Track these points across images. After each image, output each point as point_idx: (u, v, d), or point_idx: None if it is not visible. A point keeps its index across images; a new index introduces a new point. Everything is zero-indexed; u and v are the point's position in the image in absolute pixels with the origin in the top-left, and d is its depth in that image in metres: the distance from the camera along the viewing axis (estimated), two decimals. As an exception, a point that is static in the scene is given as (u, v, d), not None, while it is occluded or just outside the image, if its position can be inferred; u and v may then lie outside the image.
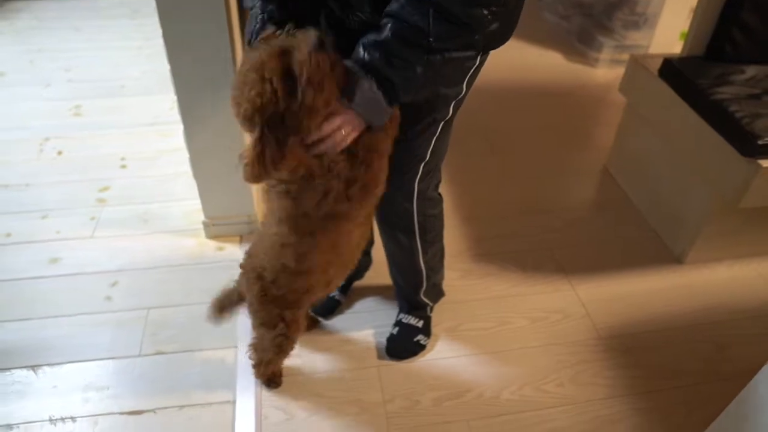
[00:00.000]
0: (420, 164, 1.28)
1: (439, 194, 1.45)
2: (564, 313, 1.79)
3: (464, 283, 1.86)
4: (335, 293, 1.74)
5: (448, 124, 1.25)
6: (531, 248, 2.02)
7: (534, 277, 1.91)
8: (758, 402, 1.19)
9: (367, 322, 1.72)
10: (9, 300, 1.77)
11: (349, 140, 1.02)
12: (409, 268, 1.54)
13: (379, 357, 1.63)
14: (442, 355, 1.65)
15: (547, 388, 1.58)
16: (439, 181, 1.42)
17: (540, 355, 1.67)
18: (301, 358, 1.61)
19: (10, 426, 1.46)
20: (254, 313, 1.33)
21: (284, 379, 1.56)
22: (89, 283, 1.83)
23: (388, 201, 1.34)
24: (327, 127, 0.99)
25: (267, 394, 1.52)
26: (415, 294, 1.60)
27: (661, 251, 2.03)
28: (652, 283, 1.92)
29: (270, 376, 1.53)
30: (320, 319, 1.71)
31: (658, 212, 2.12)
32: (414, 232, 1.43)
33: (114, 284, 1.82)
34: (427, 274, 1.54)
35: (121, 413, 1.49)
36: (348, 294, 1.78)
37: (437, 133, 1.24)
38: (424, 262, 1.51)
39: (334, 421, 1.48)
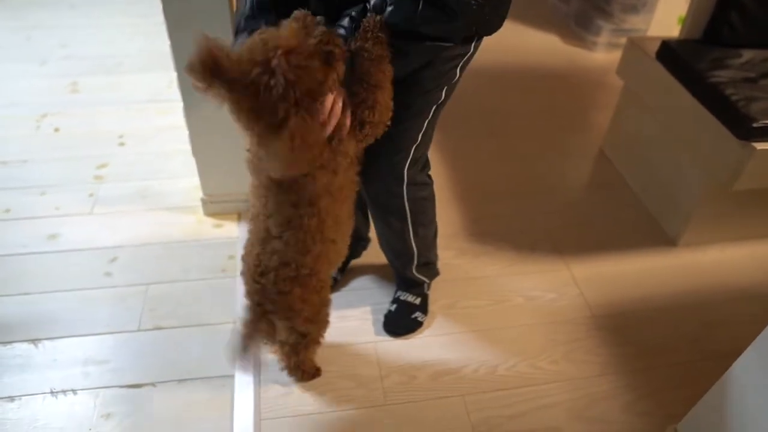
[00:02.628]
0: (411, 147, 1.29)
1: (429, 176, 1.46)
2: (558, 292, 1.82)
3: (460, 262, 1.88)
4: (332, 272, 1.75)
5: (440, 107, 1.26)
6: (526, 228, 2.04)
7: (529, 256, 1.93)
8: (742, 381, 1.22)
9: (365, 300, 1.74)
10: (9, 275, 1.78)
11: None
12: (400, 248, 1.55)
13: (377, 333, 1.66)
14: (439, 332, 1.68)
15: (542, 364, 1.61)
16: (428, 166, 1.43)
17: (534, 332, 1.69)
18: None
19: (12, 398, 1.48)
20: (298, 314, 1.25)
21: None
22: (88, 258, 1.84)
23: (378, 186, 1.35)
24: (328, 106, 1.01)
25: (266, 370, 1.54)
26: (406, 271, 1.62)
27: (655, 233, 2.06)
28: (646, 263, 1.94)
29: (314, 366, 1.53)
30: None
31: (653, 194, 2.14)
32: (405, 216, 1.44)
33: (113, 260, 1.83)
34: (418, 252, 1.56)
35: (121, 386, 1.51)
36: (345, 272, 1.80)
37: (429, 117, 1.25)
38: (415, 243, 1.53)
39: (331, 395, 1.51)
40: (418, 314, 1.67)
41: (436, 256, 1.67)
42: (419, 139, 1.28)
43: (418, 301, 1.68)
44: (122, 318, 1.67)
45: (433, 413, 1.48)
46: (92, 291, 1.74)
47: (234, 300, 1.71)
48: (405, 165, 1.32)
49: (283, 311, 1.24)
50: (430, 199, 1.49)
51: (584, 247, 1.98)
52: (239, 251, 1.85)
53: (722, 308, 1.80)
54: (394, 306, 1.68)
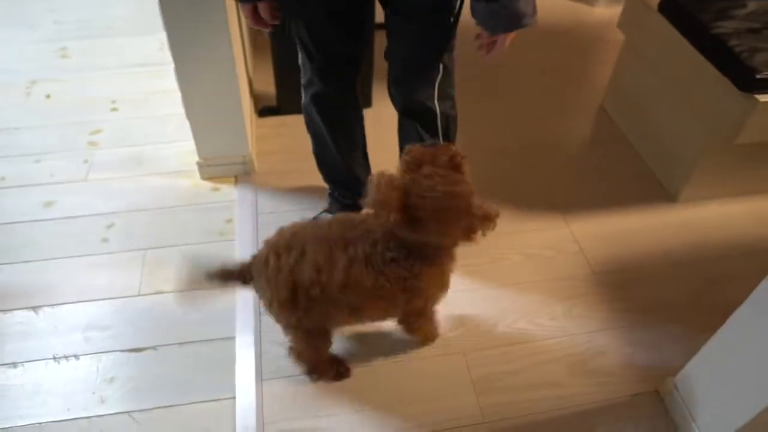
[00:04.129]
0: (443, 55, 1.35)
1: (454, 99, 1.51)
2: (558, 249, 1.81)
3: (460, 222, 1.87)
4: None
5: (459, 15, 1.30)
6: (526, 186, 2.02)
7: (528, 214, 1.92)
8: (738, 334, 1.23)
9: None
10: (6, 243, 1.77)
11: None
12: None
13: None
14: (438, 292, 1.67)
15: (541, 321, 1.62)
16: (454, 81, 1.48)
17: (534, 289, 1.70)
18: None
19: (15, 364, 1.49)
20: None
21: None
22: (85, 225, 1.83)
23: (411, 95, 1.42)
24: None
25: (266, 330, 1.55)
26: None
27: (655, 189, 2.04)
28: (646, 220, 1.93)
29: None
30: None
31: (654, 150, 2.12)
32: (437, 132, 1.48)
33: (110, 226, 1.82)
34: None
35: (123, 351, 1.52)
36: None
37: (455, 22, 1.30)
38: None
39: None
40: None
41: None
42: (447, 48, 1.35)
43: None
44: (121, 283, 1.67)
45: (433, 369, 1.50)
46: (90, 257, 1.74)
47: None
48: (437, 76, 1.38)
49: None
50: (455, 121, 1.54)
51: (584, 204, 1.97)
52: (237, 214, 1.86)
53: (723, 264, 1.80)
54: None
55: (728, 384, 1.26)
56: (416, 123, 1.49)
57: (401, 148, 1.58)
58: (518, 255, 1.79)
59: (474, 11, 1.19)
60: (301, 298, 1.16)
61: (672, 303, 1.68)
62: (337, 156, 1.62)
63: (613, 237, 1.86)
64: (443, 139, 1.51)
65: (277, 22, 1.32)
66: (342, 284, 1.14)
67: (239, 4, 1.34)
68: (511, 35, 1.22)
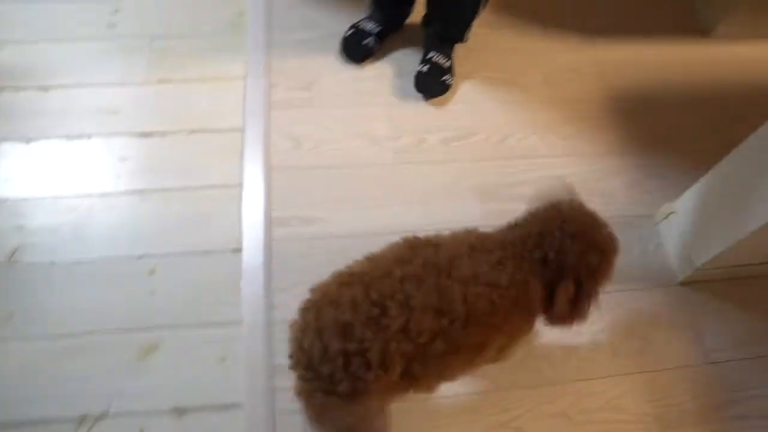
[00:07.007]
0: None
1: None
2: (578, 71, 1.75)
3: (483, 32, 1.73)
4: (369, 40, 1.65)
5: None
6: (554, 4, 1.90)
7: (553, 34, 1.82)
8: (740, 165, 1.24)
9: (385, 61, 1.69)
10: (8, 21, 1.70)
11: None
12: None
13: (392, 94, 1.63)
14: (453, 99, 1.65)
15: (552, 139, 1.60)
16: None
17: (549, 108, 1.66)
18: (311, 89, 1.62)
19: (29, 139, 1.49)
20: None
21: (295, 110, 1.58)
22: (90, 8, 1.74)
23: None
24: None
25: (276, 123, 1.54)
26: (461, 24, 1.57)
27: (689, 21, 1.92)
28: (674, 52, 1.84)
29: None
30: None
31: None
32: None
33: (116, 11, 1.74)
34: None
35: (132, 134, 1.52)
36: (383, 43, 1.70)
37: None
38: None
39: (340, 150, 1.53)
40: (447, 77, 1.62)
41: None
42: None
43: (448, 64, 1.62)
44: (130, 70, 1.63)
45: (439, 175, 1.51)
46: (97, 42, 1.68)
47: (245, 55, 1.66)
48: None
49: None
50: None
51: (611, 28, 1.86)
52: (249, 7, 1.76)
53: (747, 104, 1.73)
54: (426, 67, 1.61)
55: (721, 210, 1.29)
56: None
57: None
58: (538, 73, 1.73)
59: None
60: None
61: (685, 137, 1.66)
62: None
63: (636, 65, 1.79)
64: None
65: None
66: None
67: None
68: None
